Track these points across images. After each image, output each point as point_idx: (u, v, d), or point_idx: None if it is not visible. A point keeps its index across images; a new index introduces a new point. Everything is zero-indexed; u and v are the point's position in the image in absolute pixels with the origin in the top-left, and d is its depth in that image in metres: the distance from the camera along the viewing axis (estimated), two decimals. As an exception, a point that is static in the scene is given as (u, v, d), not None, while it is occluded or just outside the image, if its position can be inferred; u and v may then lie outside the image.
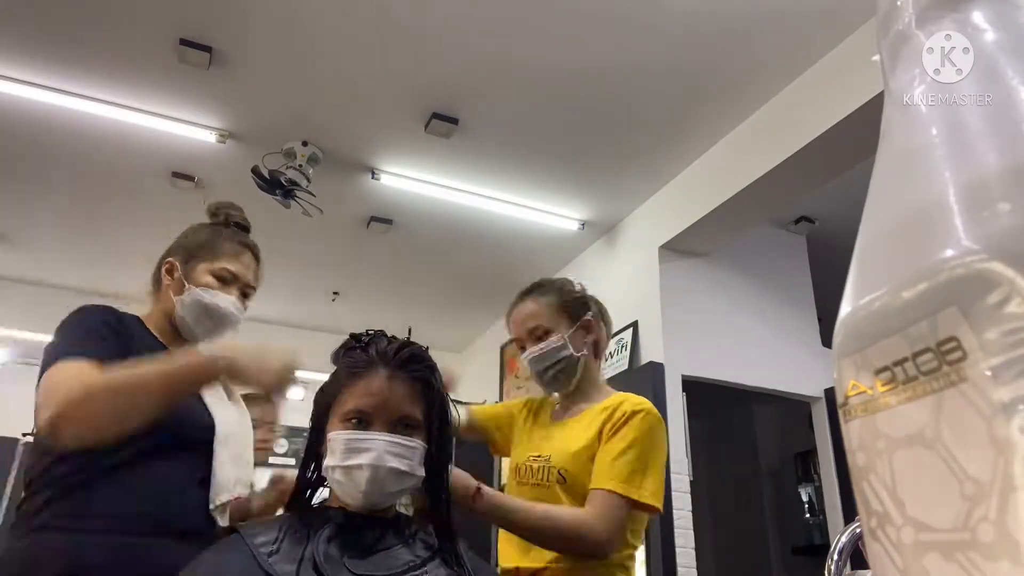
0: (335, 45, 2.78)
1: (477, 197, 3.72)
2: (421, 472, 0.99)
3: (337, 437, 0.97)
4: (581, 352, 1.46)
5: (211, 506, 1.20)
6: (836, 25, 2.60)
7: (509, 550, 1.38)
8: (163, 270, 1.37)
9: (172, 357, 1.12)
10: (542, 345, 1.45)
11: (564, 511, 1.28)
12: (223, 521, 1.22)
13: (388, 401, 0.99)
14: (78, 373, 1.08)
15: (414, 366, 1.03)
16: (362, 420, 0.98)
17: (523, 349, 1.49)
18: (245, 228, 1.51)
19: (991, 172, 0.42)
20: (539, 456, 1.41)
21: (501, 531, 1.41)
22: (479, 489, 1.23)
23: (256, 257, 1.48)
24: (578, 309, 1.49)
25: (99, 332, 1.20)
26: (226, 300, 1.35)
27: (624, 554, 1.33)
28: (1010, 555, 0.36)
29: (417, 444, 0.99)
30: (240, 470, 1.27)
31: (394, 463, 0.96)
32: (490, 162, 3.48)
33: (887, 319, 0.44)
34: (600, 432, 1.35)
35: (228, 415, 1.31)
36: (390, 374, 1.00)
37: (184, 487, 1.18)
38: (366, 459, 0.95)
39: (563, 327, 1.46)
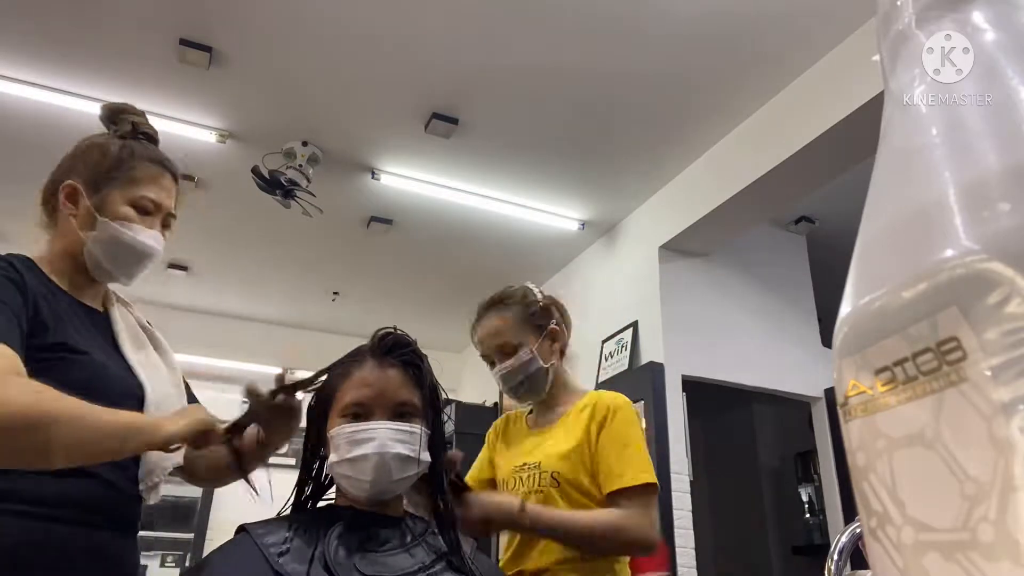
0: (335, 45, 2.78)
1: (477, 197, 3.72)
2: (426, 456, 1.00)
3: (339, 432, 0.98)
4: (550, 362, 1.48)
5: (141, 486, 1.08)
6: (836, 25, 2.60)
7: (509, 552, 1.39)
8: (62, 197, 1.12)
9: (118, 415, 0.92)
10: (511, 362, 1.45)
11: (602, 516, 1.31)
12: (152, 499, 1.10)
13: (384, 389, 1.00)
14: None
15: (401, 350, 1.04)
16: (361, 412, 0.98)
17: (492, 365, 1.50)
18: (154, 139, 1.23)
19: (991, 172, 0.42)
20: (526, 464, 1.42)
21: (504, 534, 1.42)
22: (523, 506, 1.25)
23: (175, 178, 1.21)
24: (542, 318, 1.50)
25: (4, 299, 0.94)
26: (148, 235, 1.13)
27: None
28: (1010, 555, 0.36)
29: (418, 429, 0.99)
30: None
31: (398, 448, 0.96)
32: (490, 162, 3.48)
33: (887, 319, 0.44)
34: (587, 431, 1.38)
35: (158, 376, 1.14)
36: (380, 362, 1.02)
37: (115, 467, 1.02)
38: (370, 448, 0.95)
39: (530, 339, 1.47)
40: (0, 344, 0.88)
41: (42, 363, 0.95)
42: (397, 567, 0.89)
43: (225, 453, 1.12)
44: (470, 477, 1.61)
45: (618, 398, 1.42)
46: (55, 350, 0.99)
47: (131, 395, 1.07)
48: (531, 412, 1.57)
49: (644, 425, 1.47)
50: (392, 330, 1.06)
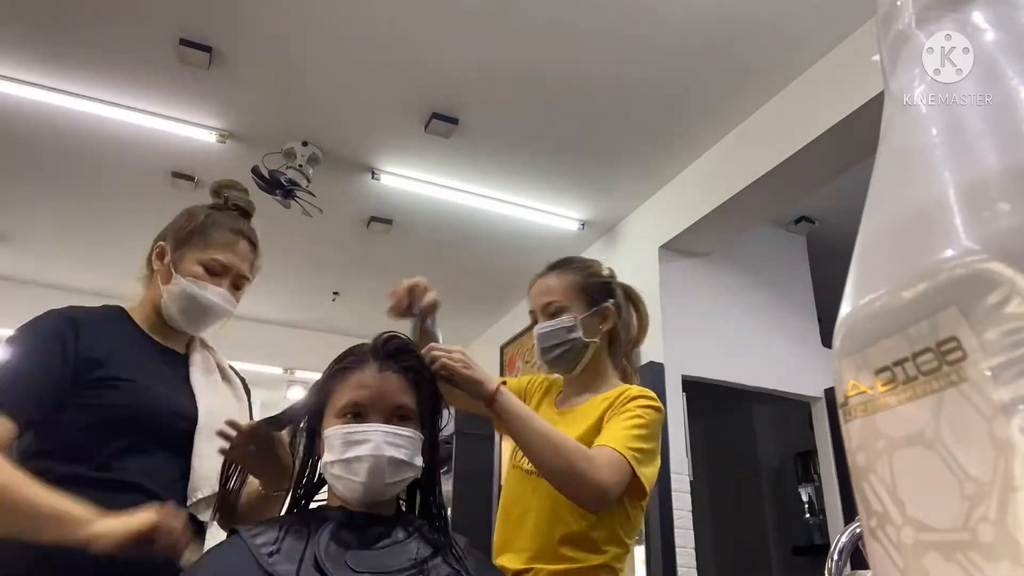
0: (335, 45, 2.78)
1: (477, 197, 3.72)
2: (419, 462, 1.00)
3: (334, 432, 0.98)
4: (592, 338, 1.40)
5: (188, 502, 1.15)
6: (836, 25, 2.60)
7: (499, 548, 1.35)
8: (153, 254, 1.30)
9: (50, 501, 0.96)
10: (553, 322, 1.40)
11: (577, 443, 1.20)
12: (205, 517, 1.17)
13: (382, 392, 0.99)
14: None
15: (403, 356, 1.04)
16: (358, 413, 0.98)
17: (535, 323, 1.44)
18: (246, 213, 1.41)
19: (991, 172, 0.42)
20: None
21: (497, 528, 1.38)
22: (499, 389, 1.18)
23: (253, 244, 1.39)
24: (598, 293, 1.43)
25: (38, 365, 1.11)
26: (215, 292, 1.27)
27: (614, 553, 1.29)
28: (1010, 555, 0.36)
29: (414, 434, 0.99)
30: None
31: (393, 452, 0.96)
32: (490, 162, 3.48)
33: (887, 319, 0.44)
34: (601, 418, 1.30)
35: (215, 401, 1.26)
36: (381, 365, 1.02)
37: (164, 485, 1.13)
38: (365, 450, 0.95)
39: (578, 308, 1.41)
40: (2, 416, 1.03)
41: (89, 394, 1.13)
42: (388, 565, 0.89)
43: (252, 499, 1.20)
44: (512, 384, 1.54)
45: (646, 392, 1.33)
46: (102, 383, 1.14)
47: (182, 415, 1.20)
48: (562, 391, 1.50)
49: (661, 427, 1.35)
50: (396, 335, 1.06)
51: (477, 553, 1.02)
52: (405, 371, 1.03)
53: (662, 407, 1.33)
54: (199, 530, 1.17)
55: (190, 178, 3.57)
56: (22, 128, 3.25)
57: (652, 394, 1.34)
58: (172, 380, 1.25)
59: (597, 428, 1.30)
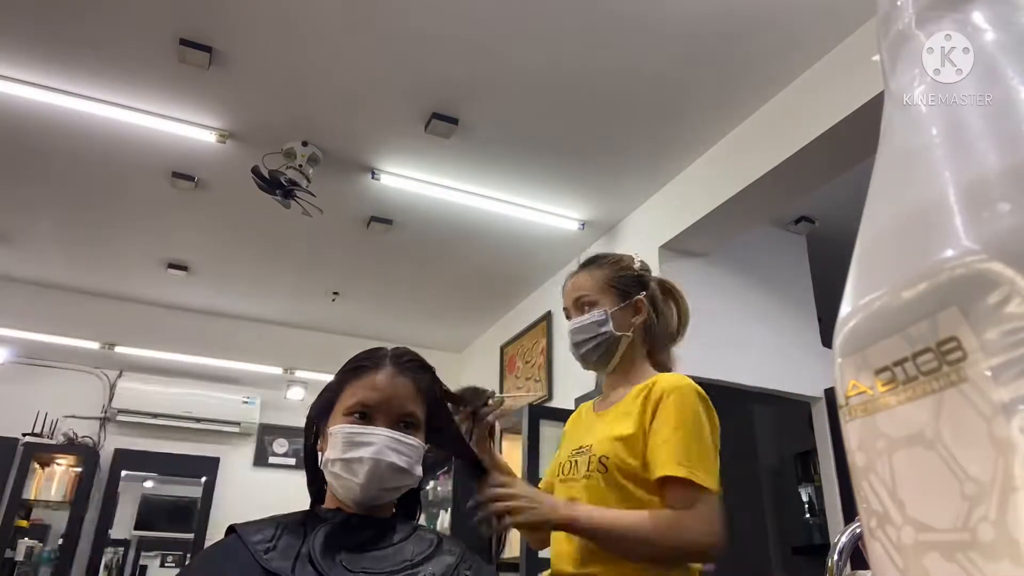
0: (335, 45, 2.77)
1: (477, 197, 3.72)
2: (419, 472, 1.00)
3: (339, 430, 0.98)
4: (624, 332, 1.38)
5: None
6: (836, 25, 2.60)
7: (561, 556, 1.31)
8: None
9: None
10: (584, 317, 1.39)
11: (652, 512, 1.18)
12: None
13: (392, 397, 1.00)
14: None
15: (419, 368, 1.06)
16: (364, 415, 0.99)
17: (569, 319, 1.44)
18: None
19: (991, 172, 0.42)
20: (581, 448, 1.34)
21: (553, 535, 1.35)
22: (573, 515, 1.17)
23: None
24: (630, 286, 1.42)
25: None
26: None
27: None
28: (1010, 555, 0.36)
29: (417, 443, 1.00)
30: None
31: (394, 458, 0.96)
32: (490, 162, 3.48)
33: (887, 319, 0.44)
34: (643, 413, 1.27)
35: None
36: (394, 371, 1.03)
37: None
38: (367, 452, 0.96)
39: (608, 302, 1.39)
40: None
41: None
42: (382, 566, 0.90)
43: None
44: (544, 481, 1.51)
45: (680, 380, 1.29)
46: None
47: None
48: (599, 396, 1.49)
49: (701, 404, 1.31)
50: (412, 353, 1.08)
51: (474, 556, 1.02)
52: (417, 381, 1.04)
53: (693, 384, 1.30)
54: None
55: (190, 178, 3.57)
56: (22, 128, 3.25)
57: (684, 380, 1.30)
58: None
59: (640, 423, 1.26)
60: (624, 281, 1.42)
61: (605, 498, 1.24)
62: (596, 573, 1.23)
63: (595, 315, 1.38)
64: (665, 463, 1.19)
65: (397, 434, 0.98)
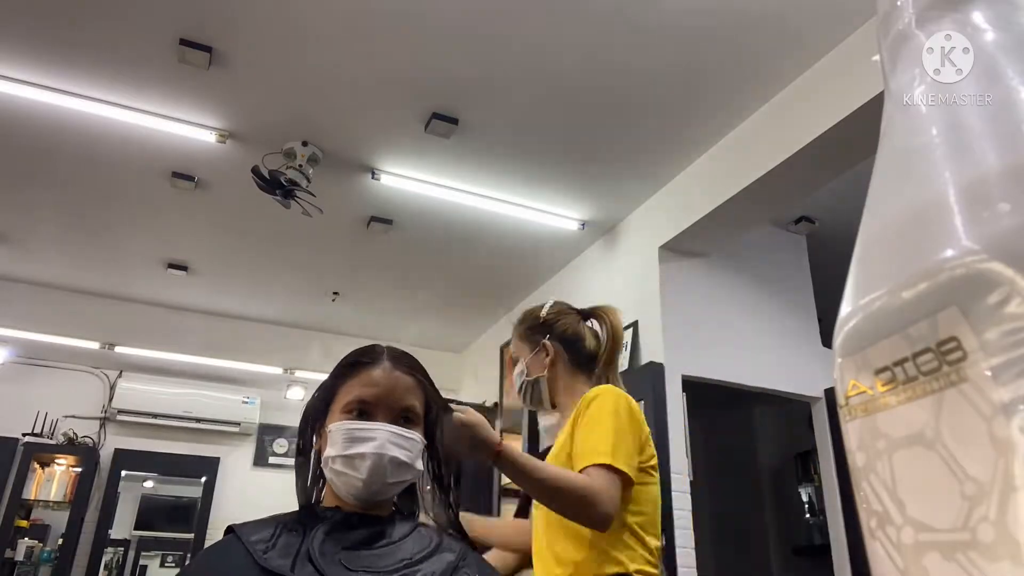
0: (335, 45, 2.78)
1: (477, 197, 3.72)
2: (419, 466, 1.00)
3: (338, 427, 0.98)
4: (539, 374, 1.59)
5: None
6: (836, 25, 2.60)
7: (539, 568, 1.45)
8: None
9: None
10: (514, 372, 1.62)
11: (572, 474, 1.33)
12: None
13: (391, 391, 1.00)
14: None
15: (415, 365, 1.06)
16: (364, 411, 0.99)
17: None
18: None
19: (991, 172, 0.42)
20: None
21: (534, 549, 1.48)
22: (501, 445, 1.29)
23: None
24: (535, 334, 1.62)
25: None
26: None
27: (629, 555, 1.37)
28: (1010, 555, 0.36)
29: (418, 437, 1.00)
30: None
31: (396, 453, 0.96)
32: (490, 162, 3.48)
33: (887, 319, 0.44)
34: (572, 427, 1.43)
35: None
36: (392, 367, 1.03)
37: None
38: (369, 447, 0.95)
39: (525, 353, 1.62)
40: None
41: None
42: (382, 563, 0.90)
43: None
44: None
45: (600, 389, 1.45)
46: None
47: None
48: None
49: (636, 416, 1.44)
50: (407, 353, 1.10)
51: (475, 555, 1.02)
52: (416, 375, 1.04)
53: (617, 391, 1.46)
54: None
55: (190, 178, 3.57)
56: (22, 128, 3.25)
57: (609, 388, 1.46)
58: None
59: (568, 437, 1.43)
60: (533, 331, 1.63)
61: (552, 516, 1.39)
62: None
63: (518, 368, 1.63)
64: (587, 454, 1.34)
65: (398, 428, 0.98)
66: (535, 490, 1.31)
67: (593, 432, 1.37)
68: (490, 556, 1.67)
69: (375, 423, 0.98)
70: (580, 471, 1.33)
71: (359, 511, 0.98)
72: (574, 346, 1.60)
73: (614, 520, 1.31)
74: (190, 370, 5.33)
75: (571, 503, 1.28)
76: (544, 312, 1.65)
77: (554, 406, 1.61)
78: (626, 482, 1.34)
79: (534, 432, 3.84)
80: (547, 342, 1.60)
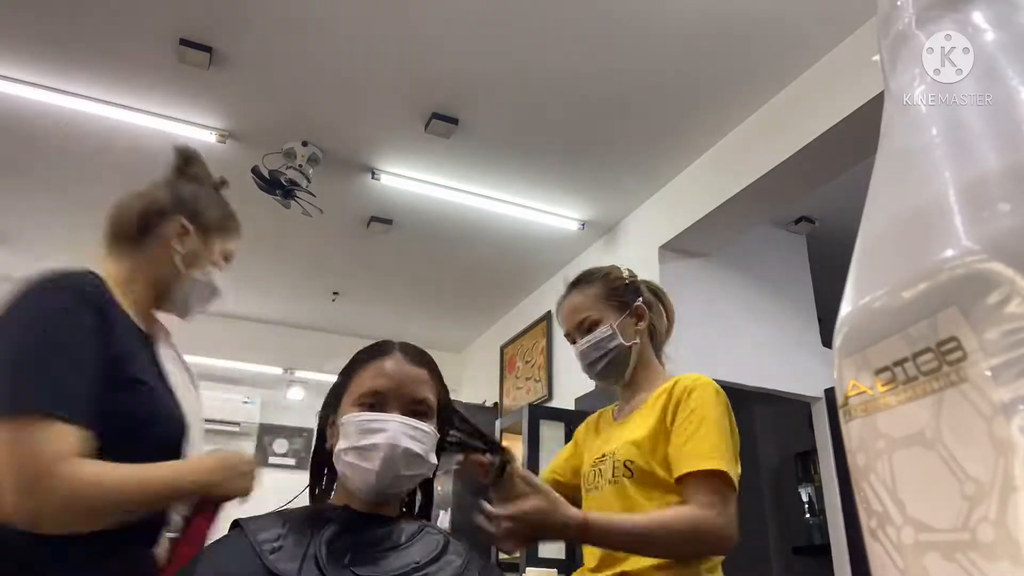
0: (335, 45, 2.77)
1: (477, 197, 3.72)
2: (433, 459, 0.99)
3: (351, 419, 0.97)
4: (632, 341, 1.40)
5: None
6: (836, 25, 2.60)
7: (593, 552, 1.32)
8: (172, 233, 1.15)
9: (177, 468, 0.98)
10: (591, 336, 1.39)
11: (670, 513, 1.20)
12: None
13: (403, 383, 0.99)
14: (57, 457, 0.83)
15: (427, 359, 1.05)
16: (376, 403, 0.98)
17: (573, 342, 1.44)
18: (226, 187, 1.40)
19: (991, 172, 0.42)
20: (603, 455, 1.35)
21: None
22: (587, 520, 1.14)
23: None
24: (626, 296, 1.43)
25: (81, 359, 0.91)
26: (219, 282, 1.23)
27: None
28: (1010, 555, 0.36)
29: (431, 430, 0.99)
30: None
31: (409, 444, 0.95)
32: (490, 162, 3.48)
33: (887, 319, 0.44)
34: (663, 415, 1.28)
35: (190, 401, 1.15)
36: (404, 359, 1.02)
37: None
38: (381, 439, 0.94)
39: (611, 316, 1.40)
40: (62, 424, 0.86)
41: (116, 396, 0.95)
42: (390, 567, 0.89)
43: None
44: (551, 467, 1.54)
45: (698, 379, 1.31)
46: (128, 385, 0.98)
47: (173, 419, 1.05)
48: (616, 404, 1.50)
49: (724, 402, 1.29)
50: (419, 348, 1.08)
51: (480, 558, 1.02)
52: (428, 368, 1.03)
53: (712, 381, 1.32)
54: None
55: (190, 178, 3.57)
56: (22, 128, 3.25)
57: (704, 379, 1.32)
58: (159, 377, 1.08)
59: (663, 427, 1.27)
60: (619, 292, 1.44)
61: (635, 501, 1.25)
62: (625, 571, 1.24)
63: (603, 332, 1.39)
64: (691, 457, 1.20)
65: (411, 420, 0.97)
66: (640, 544, 1.16)
67: (700, 429, 1.22)
68: None
69: (387, 414, 0.96)
70: (683, 476, 1.20)
71: (367, 510, 0.97)
72: (653, 316, 1.45)
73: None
74: (190, 370, 5.32)
75: (686, 541, 1.15)
76: (626, 274, 1.48)
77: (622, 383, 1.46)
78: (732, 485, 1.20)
79: (534, 433, 3.83)
80: (641, 304, 1.42)
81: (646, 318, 1.43)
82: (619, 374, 1.42)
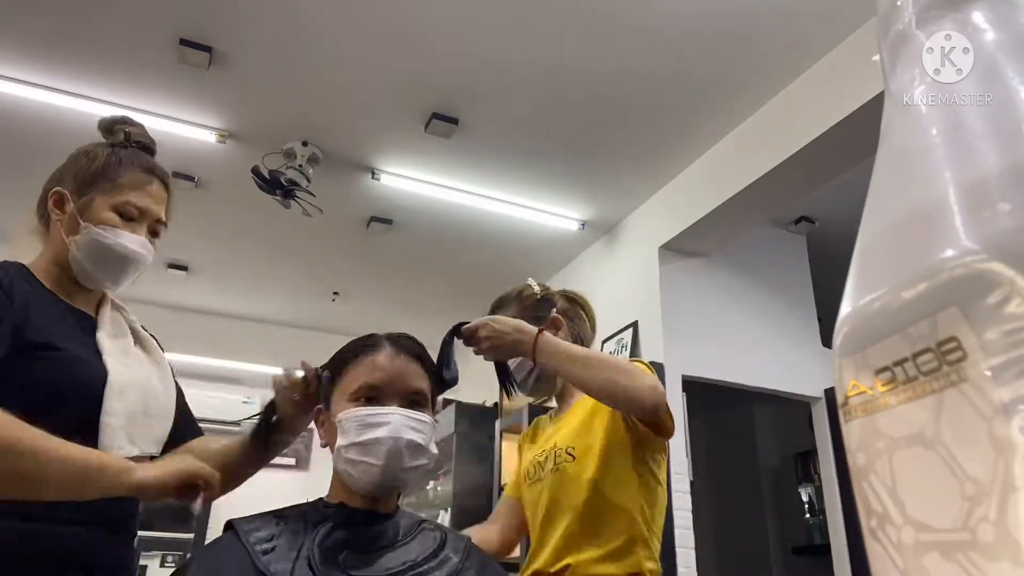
0: (335, 45, 2.78)
1: (477, 197, 3.72)
2: (434, 449, 0.99)
3: (350, 415, 0.96)
4: None
5: None
6: (836, 25, 2.60)
7: (541, 548, 1.34)
8: (51, 203, 1.13)
9: (88, 452, 0.90)
10: (512, 360, 1.40)
11: (616, 359, 1.27)
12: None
13: (398, 375, 0.99)
14: None
15: (416, 346, 1.05)
16: (372, 397, 0.97)
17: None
18: (149, 149, 1.26)
19: (991, 172, 0.42)
20: (544, 451, 1.39)
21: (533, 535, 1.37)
22: (541, 331, 1.22)
23: (166, 186, 1.25)
24: (540, 310, 1.45)
25: None
26: (132, 240, 1.12)
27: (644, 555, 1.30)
28: (1010, 555, 0.36)
29: (430, 420, 0.99)
30: (139, 426, 1.06)
31: (412, 436, 0.95)
32: (490, 162, 3.48)
33: (887, 319, 0.44)
34: (596, 406, 1.32)
35: (134, 366, 1.12)
36: (395, 351, 1.01)
37: None
38: (384, 432, 0.93)
39: None
40: None
41: (25, 362, 0.97)
42: (384, 566, 0.89)
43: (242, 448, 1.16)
44: (507, 491, 1.56)
45: None
46: (40, 349, 0.99)
47: (90, 383, 1.02)
48: (550, 414, 1.54)
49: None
50: (408, 335, 1.08)
51: (480, 554, 1.01)
52: (420, 359, 1.03)
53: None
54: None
55: (190, 178, 3.57)
56: (22, 128, 3.25)
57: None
58: (90, 347, 1.07)
59: (591, 417, 1.32)
60: (533, 308, 1.46)
61: (572, 487, 1.28)
62: (570, 563, 1.25)
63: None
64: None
65: (412, 412, 0.97)
66: (582, 359, 1.19)
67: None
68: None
69: (387, 408, 0.96)
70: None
71: (365, 507, 0.96)
72: (573, 324, 1.47)
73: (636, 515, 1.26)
74: (190, 370, 5.32)
75: (622, 371, 1.17)
76: (536, 288, 1.51)
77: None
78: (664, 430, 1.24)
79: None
80: (556, 314, 1.44)
81: (562, 327, 1.44)
82: (549, 388, 1.46)
